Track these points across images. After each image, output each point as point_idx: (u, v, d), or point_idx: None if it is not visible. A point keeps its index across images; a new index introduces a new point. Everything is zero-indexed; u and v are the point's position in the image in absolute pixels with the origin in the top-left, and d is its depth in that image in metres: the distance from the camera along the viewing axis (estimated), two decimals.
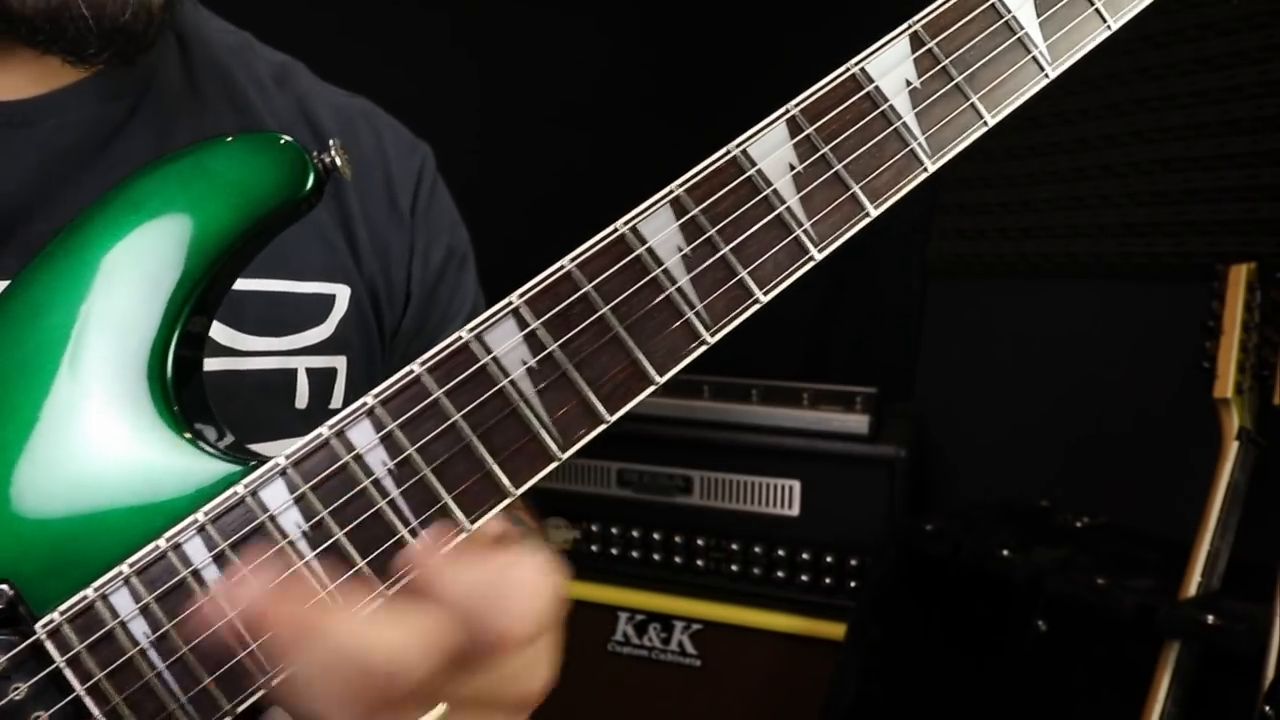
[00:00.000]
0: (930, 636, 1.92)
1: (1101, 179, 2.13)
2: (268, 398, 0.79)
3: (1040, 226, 2.27)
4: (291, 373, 0.82)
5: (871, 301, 2.57)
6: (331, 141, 0.63)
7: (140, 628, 0.55)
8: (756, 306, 0.60)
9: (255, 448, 0.62)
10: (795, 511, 2.09)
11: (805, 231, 0.60)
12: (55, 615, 0.56)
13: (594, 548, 2.22)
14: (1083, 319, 2.20)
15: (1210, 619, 1.44)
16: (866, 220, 0.61)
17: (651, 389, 0.59)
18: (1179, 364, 1.67)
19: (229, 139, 0.63)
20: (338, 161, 0.62)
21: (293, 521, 0.56)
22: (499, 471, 0.57)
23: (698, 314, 0.59)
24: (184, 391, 0.61)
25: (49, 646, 0.55)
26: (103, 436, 0.58)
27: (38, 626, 0.56)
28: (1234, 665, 1.44)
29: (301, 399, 0.82)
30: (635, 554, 2.20)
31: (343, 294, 0.85)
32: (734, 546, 2.13)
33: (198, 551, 0.56)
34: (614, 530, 2.21)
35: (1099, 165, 2.13)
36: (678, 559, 2.17)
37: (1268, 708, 1.31)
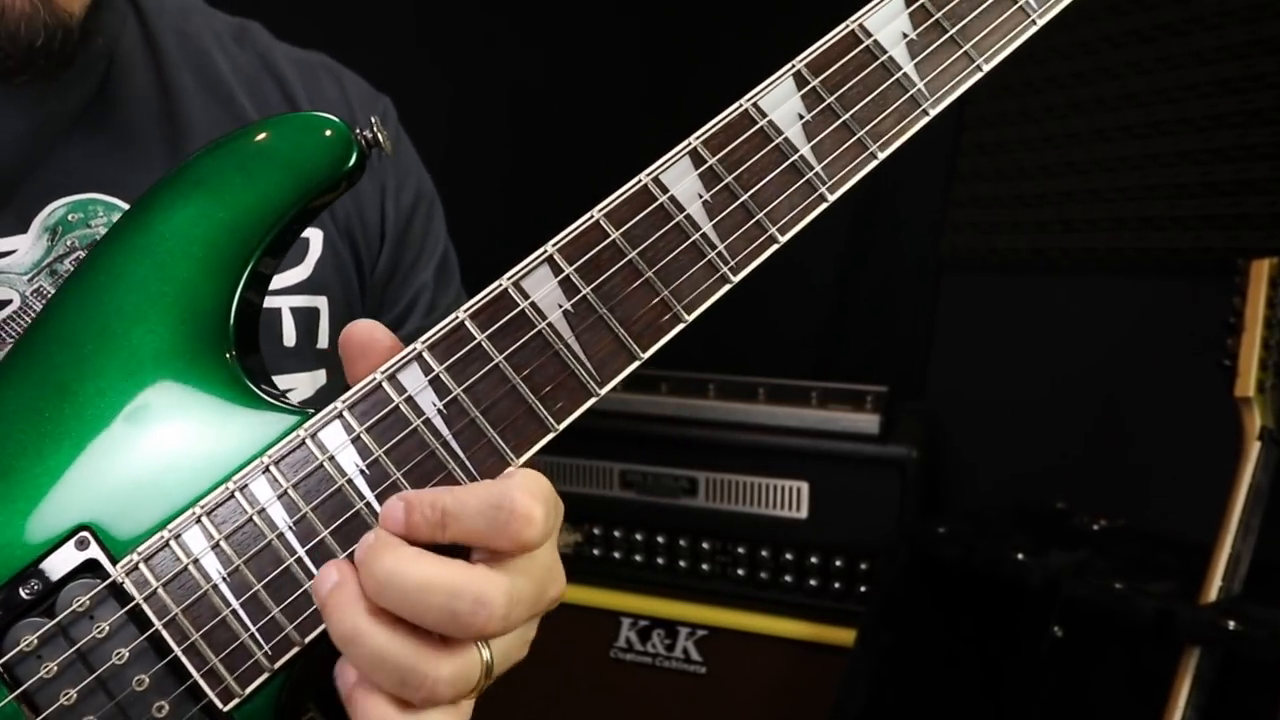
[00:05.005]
0: (943, 642, 1.93)
1: (1119, 171, 2.14)
2: None
3: (1056, 220, 2.27)
4: (276, 312, 0.89)
5: (882, 297, 2.58)
6: (373, 119, 0.69)
7: (213, 565, 0.61)
8: (775, 246, 0.66)
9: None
10: (803, 514, 2.10)
11: (817, 175, 0.67)
12: (133, 556, 0.61)
13: (596, 551, 2.23)
14: (1099, 315, 2.21)
15: (1231, 624, 1.45)
16: (874, 163, 0.68)
17: (681, 326, 0.65)
18: (1199, 362, 1.68)
19: (282, 119, 0.70)
20: (380, 138, 0.68)
21: (351, 461, 0.62)
22: (541, 408, 0.63)
23: (719, 254, 0.65)
24: (246, 348, 0.67)
25: (128, 586, 0.61)
26: (175, 393, 0.65)
27: (117, 568, 0.61)
28: (1256, 671, 1.44)
29: (289, 337, 0.89)
30: (638, 558, 2.21)
31: (316, 237, 0.92)
32: (740, 550, 2.14)
33: (263, 491, 0.62)
34: (617, 533, 2.22)
35: (1116, 157, 2.14)
36: (682, 563, 2.18)
37: None
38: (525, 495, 0.59)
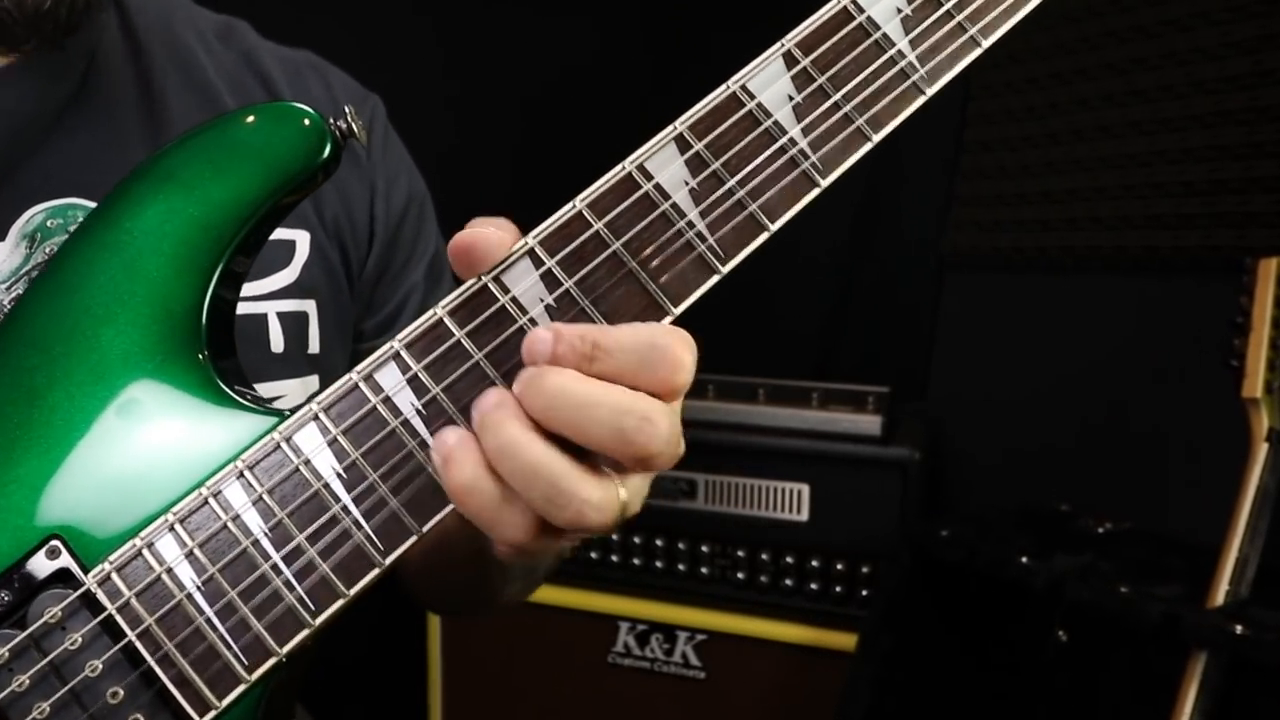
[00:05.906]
0: (945, 647, 1.92)
1: (1126, 168, 2.13)
2: (241, 343, 0.84)
3: (1061, 218, 2.27)
4: (262, 318, 0.87)
5: (884, 296, 2.58)
6: (346, 109, 0.68)
7: (186, 574, 0.60)
8: (766, 236, 0.64)
9: None
10: (804, 516, 2.10)
11: (808, 158, 0.64)
12: (105, 565, 0.60)
13: (593, 554, 2.22)
14: (1105, 315, 2.21)
15: (1238, 628, 1.45)
16: (869, 146, 0.65)
17: (668, 320, 0.63)
18: (1206, 362, 1.67)
19: (253, 110, 0.69)
20: (355, 128, 0.67)
21: (327, 464, 0.61)
22: None
23: (709, 247, 0.63)
24: (219, 348, 0.66)
25: (100, 595, 0.60)
26: (147, 396, 0.64)
27: (89, 577, 0.60)
28: (1263, 676, 1.44)
29: (276, 343, 0.88)
30: (637, 561, 2.20)
31: (303, 239, 0.91)
32: (740, 553, 2.13)
33: (237, 496, 0.61)
34: (614, 536, 2.21)
35: (1123, 154, 2.14)
36: (681, 566, 2.17)
37: None
38: (678, 340, 0.58)
